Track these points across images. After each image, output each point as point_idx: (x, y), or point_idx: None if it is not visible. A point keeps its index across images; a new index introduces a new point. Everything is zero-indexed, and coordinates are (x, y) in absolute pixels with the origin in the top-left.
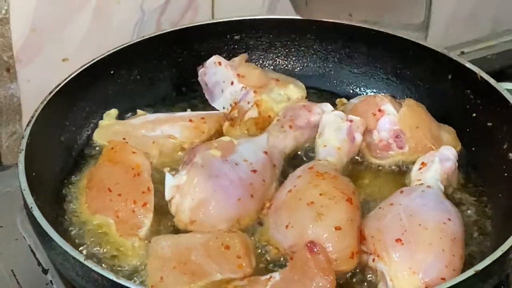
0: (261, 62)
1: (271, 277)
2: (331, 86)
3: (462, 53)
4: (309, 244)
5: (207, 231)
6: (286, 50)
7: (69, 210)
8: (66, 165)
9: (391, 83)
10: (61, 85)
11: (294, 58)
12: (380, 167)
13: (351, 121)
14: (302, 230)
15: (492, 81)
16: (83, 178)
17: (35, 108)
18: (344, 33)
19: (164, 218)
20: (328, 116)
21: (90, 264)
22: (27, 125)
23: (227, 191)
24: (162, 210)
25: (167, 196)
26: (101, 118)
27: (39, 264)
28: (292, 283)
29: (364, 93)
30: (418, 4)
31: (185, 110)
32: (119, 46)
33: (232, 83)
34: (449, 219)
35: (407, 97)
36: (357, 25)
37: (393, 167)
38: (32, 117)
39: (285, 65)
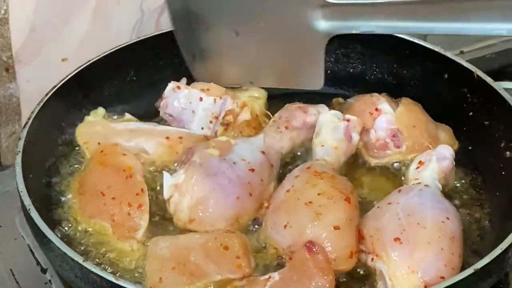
0: None
1: (270, 277)
2: (328, 85)
3: (461, 52)
4: (308, 244)
5: (205, 230)
6: None
7: (67, 212)
8: (63, 167)
9: (388, 82)
10: (57, 86)
11: None
12: (377, 166)
13: (348, 120)
14: (301, 230)
15: (488, 79)
16: (75, 181)
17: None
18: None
19: (160, 219)
20: (325, 115)
21: (89, 265)
22: (24, 127)
23: (225, 189)
24: (158, 211)
25: (166, 195)
26: None
27: (38, 263)
28: (291, 283)
29: (361, 93)
30: (316, 71)
31: None
32: (115, 47)
33: (201, 99)
34: (448, 218)
35: (403, 96)
36: None
37: (391, 166)
38: (29, 118)
39: None
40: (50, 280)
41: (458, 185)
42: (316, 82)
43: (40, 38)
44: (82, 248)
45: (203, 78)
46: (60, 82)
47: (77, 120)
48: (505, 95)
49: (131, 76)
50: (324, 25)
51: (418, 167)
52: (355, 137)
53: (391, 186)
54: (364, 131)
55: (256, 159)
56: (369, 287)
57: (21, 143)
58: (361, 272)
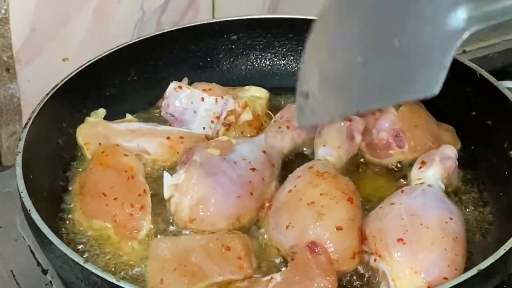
0: (258, 62)
1: (272, 278)
2: None
3: (464, 51)
4: (310, 245)
5: (207, 229)
6: (284, 50)
7: (68, 212)
8: (63, 167)
9: None
10: (57, 87)
11: (292, 58)
12: (380, 167)
13: (350, 120)
14: (303, 230)
15: (491, 79)
16: (75, 182)
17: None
18: None
19: (162, 220)
20: None
21: (89, 266)
22: (24, 127)
23: (226, 188)
24: (159, 211)
25: (166, 195)
26: None
27: (39, 264)
28: (293, 283)
29: None
30: (437, 74)
31: None
32: (116, 47)
33: (202, 99)
34: (451, 218)
35: None
36: None
37: (393, 166)
38: (29, 119)
39: (283, 65)
40: (51, 281)
41: (460, 185)
42: (433, 86)
43: (40, 38)
44: (83, 249)
45: (310, 121)
46: (61, 82)
47: (77, 120)
48: (508, 94)
49: (132, 76)
50: (465, 16)
51: (420, 167)
52: (358, 137)
53: (394, 186)
54: (367, 131)
55: (257, 158)
56: None
57: (21, 144)
58: (364, 273)
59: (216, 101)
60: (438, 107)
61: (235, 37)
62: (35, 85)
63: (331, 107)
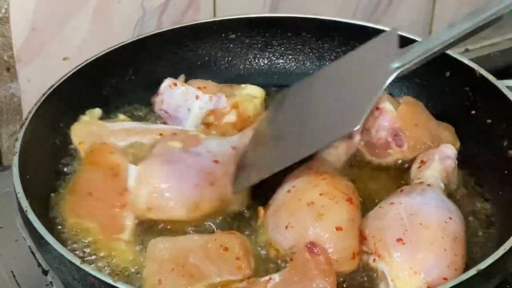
0: (257, 61)
1: (270, 278)
2: None
3: (467, 50)
4: (309, 245)
5: (165, 218)
6: (282, 49)
7: (63, 212)
8: (60, 168)
9: None
10: (54, 86)
11: (290, 57)
12: (379, 166)
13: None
14: (302, 230)
15: (491, 78)
16: (71, 181)
17: None
18: (340, 31)
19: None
20: None
21: (86, 267)
22: (21, 127)
23: (183, 176)
24: None
25: (130, 187)
26: None
27: (39, 265)
28: (292, 284)
29: None
30: (361, 110)
31: None
32: (113, 47)
33: (197, 97)
34: (450, 218)
35: (404, 94)
36: (353, 22)
37: (392, 166)
38: (26, 118)
39: (281, 64)
40: (51, 282)
41: (460, 184)
42: (356, 123)
43: (41, 37)
44: (80, 249)
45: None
46: (57, 82)
47: (74, 120)
48: (508, 93)
49: (130, 76)
50: (395, 64)
51: (420, 167)
52: (356, 136)
53: (393, 185)
54: (365, 130)
55: (224, 153)
56: None
57: (18, 144)
58: (363, 273)
59: (210, 99)
60: (437, 106)
61: (233, 36)
62: (36, 84)
63: (265, 164)
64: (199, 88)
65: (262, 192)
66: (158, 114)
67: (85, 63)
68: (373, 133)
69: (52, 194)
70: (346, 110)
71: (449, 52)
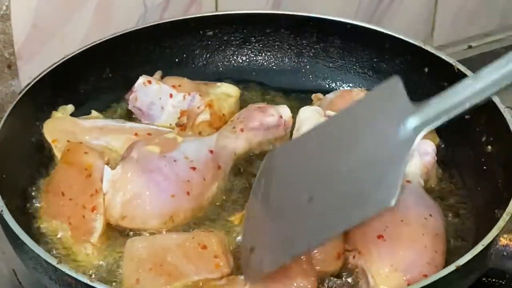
0: (235, 58)
1: None
2: (307, 81)
3: (470, 47)
4: None
5: (138, 227)
6: (260, 45)
7: (39, 213)
8: (36, 167)
9: (367, 77)
10: (30, 85)
11: (268, 53)
12: None
13: (329, 116)
14: None
15: (469, 73)
16: (46, 181)
17: None
18: (318, 27)
19: None
20: (305, 111)
21: (63, 267)
22: None
23: (160, 187)
24: None
25: (104, 191)
26: None
27: None
28: (272, 283)
29: (340, 88)
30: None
31: None
32: (89, 44)
33: (171, 95)
34: (431, 215)
35: None
36: (331, 18)
37: None
38: (1, 118)
39: (259, 61)
40: None
41: (439, 180)
42: (390, 200)
43: (42, 34)
44: (57, 249)
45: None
46: (33, 80)
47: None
48: None
49: (107, 73)
50: (414, 123)
51: None
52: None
53: None
54: None
55: (201, 158)
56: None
57: None
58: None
59: (184, 98)
60: (416, 102)
61: (211, 33)
62: None
63: (279, 253)
64: (173, 86)
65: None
66: (129, 108)
67: (61, 61)
68: None
69: (29, 193)
70: (369, 184)
71: (427, 47)
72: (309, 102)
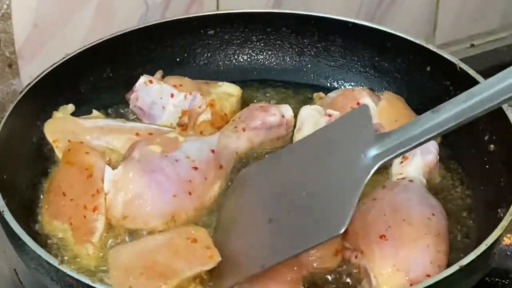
0: (236, 57)
1: None
2: (308, 80)
3: (472, 45)
4: None
5: (139, 227)
6: (262, 44)
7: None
8: (37, 167)
9: (369, 76)
10: (31, 85)
11: (270, 52)
12: None
13: (330, 115)
14: None
15: (471, 71)
16: (47, 181)
17: None
18: (320, 26)
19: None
20: (306, 110)
21: (64, 268)
22: None
23: (162, 186)
24: None
25: (105, 190)
26: None
27: None
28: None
29: (342, 87)
30: (344, 212)
31: None
32: (90, 44)
33: (172, 95)
34: (433, 214)
35: (385, 89)
36: (333, 17)
37: None
38: (2, 118)
39: (260, 60)
40: None
41: (441, 179)
42: (341, 226)
43: (43, 33)
44: (56, 250)
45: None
46: (34, 80)
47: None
48: None
49: (108, 73)
50: (374, 153)
51: (402, 162)
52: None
53: (375, 181)
54: None
55: (203, 157)
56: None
57: None
58: (346, 270)
59: (185, 97)
60: (418, 101)
61: (212, 32)
62: None
63: (235, 271)
64: (175, 85)
65: None
66: (130, 107)
67: (62, 61)
68: None
69: (30, 194)
70: (324, 210)
71: (429, 46)
72: (311, 101)
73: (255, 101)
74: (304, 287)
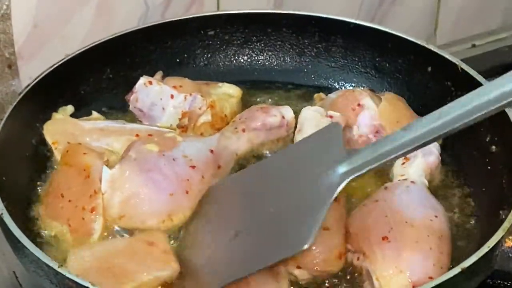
0: (236, 57)
1: None
2: (309, 80)
3: (473, 45)
4: None
5: (136, 227)
6: (262, 45)
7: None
8: (36, 169)
9: (370, 76)
10: (30, 86)
11: (270, 53)
12: None
13: (331, 117)
14: None
15: (472, 72)
16: (46, 183)
17: None
18: (320, 26)
19: None
20: (307, 111)
21: (64, 271)
22: None
23: (158, 185)
24: None
25: (102, 190)
26: None
27: None
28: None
29: (343, 87)
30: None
31: None
32: (90, 45)
33: (172, 96)
34: (436, 216)
35: (386, 90)
36: (333, 17)
37: None
38: (1, 118)
39: (261, 60)
40: None
41: (443, 181)
42: (306, 241)
43: (42, 34)
44: (55, 252)
45: None
46: (33, 81)
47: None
48: None
49: (108, 74)
50: (343, 170)
51: (403, 163)
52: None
53: (377, 182)
54: (347, 127)
55: (201, 156)
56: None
57: None
58: (348, 272)
59: (185, 98)
60: (419, 102)
61: (212, 32)
62: None
63: (203, 284)
64: (174, 86)
65: None
66: (130, 109)
67: (61, 62)
68: (355, 130)
69: (29, 196)
70: (290, 225)
71: (430, 47)
72: (311, 102)
73: (255, 101)
74: None
